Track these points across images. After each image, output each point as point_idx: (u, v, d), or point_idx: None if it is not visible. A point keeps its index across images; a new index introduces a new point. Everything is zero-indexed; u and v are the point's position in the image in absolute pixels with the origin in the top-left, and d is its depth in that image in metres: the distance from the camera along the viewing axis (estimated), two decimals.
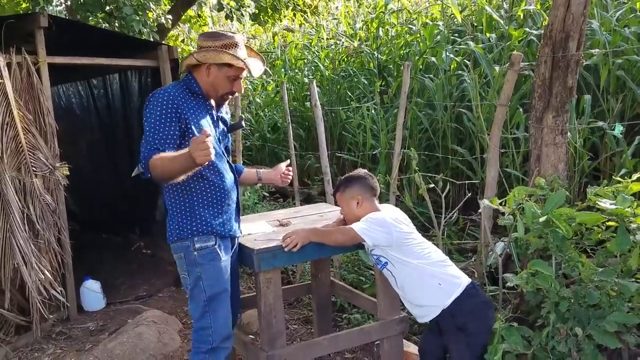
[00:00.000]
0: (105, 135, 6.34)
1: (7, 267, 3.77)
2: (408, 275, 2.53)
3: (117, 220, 6.36)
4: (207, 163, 2.11)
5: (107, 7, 5.75)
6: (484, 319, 2.50)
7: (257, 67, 2.47)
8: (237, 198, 2.57)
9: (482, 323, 2.49)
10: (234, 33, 2.45)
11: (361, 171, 2.74)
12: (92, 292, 4.63)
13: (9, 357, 3.78)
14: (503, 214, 2.61)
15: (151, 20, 5.94)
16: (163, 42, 6.25)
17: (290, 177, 2.89)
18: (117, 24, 5.72)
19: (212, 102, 2.47)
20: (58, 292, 4.01)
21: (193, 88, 2.39)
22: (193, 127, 2.31)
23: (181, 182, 2.31)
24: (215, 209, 2.41)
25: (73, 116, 6.69)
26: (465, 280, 2.52)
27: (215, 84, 2.38)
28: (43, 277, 3.88)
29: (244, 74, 2.42)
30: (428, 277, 2.49)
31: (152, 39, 5.82)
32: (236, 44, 2.37)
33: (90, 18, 5.92)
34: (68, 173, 4.24)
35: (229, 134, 2.63)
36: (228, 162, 2.54)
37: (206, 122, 2.40)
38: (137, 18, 5.50)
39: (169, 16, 6.44)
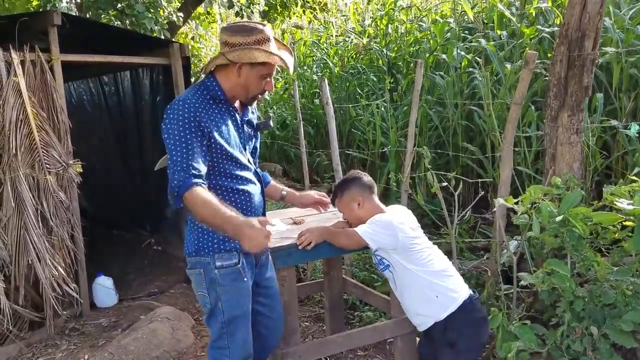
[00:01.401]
0: (116, 133, 6.37)
1: (21, 264, 3.80)
2: (407, 282, 2.52)
3: (128, 217, 6.40)
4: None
5: (119, 5, 5.76)
6: (475, 336, 2.50)
7: (290, 62, 2.21)
8: (264, 210, 2.41)
9: (473, 340, 2.50)
10: (262, 24, 2.17)
11: (353, 172, 2.69)
12: (105, 288, 4.66)
13: (23, 353, 3.82)
14: (516, 212, 2.61)
15: (162, 17, 5.95)
16: (174, 39, 6.27)
17: (327, 205, 2.74)
18: (128, 22, 5.74)
19: (236, 104, 2.27)
20: (71, 288, 4.03)
21: (215, 92, 2.17)
22: (217, 137, 2.12)
23: None
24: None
25: (84, 113, 6.73)
26: (464, 295, 2.49)
27: (246, 85, 2.16)
28: (56, 273, 3.91)
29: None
30: (426, 289, 2.47)
31: (163, 37, 5.84)
32: (268, 38, 2.12)
33: (102, 16, 5.94)
34: (81, 170, 4.26)
35: (258, 133, 2.43)
36: (256, 170, 2.38)
37: (230, 130, 2.20)
38: (149, 16, 5.52)
39: (180, 14, 6.46)
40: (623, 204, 2.22)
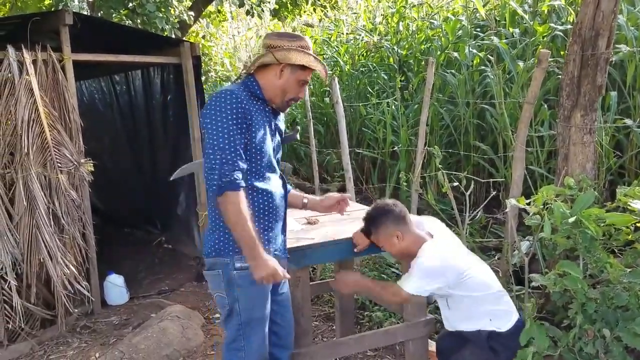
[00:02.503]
0: (128, 131, 6.41)
1: (33, 262, 3.83)
2: (462, 306, 2.44)
3: (139, 215, 6.43)
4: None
5: (130, 4, 5.78)
6: (515, 350, 2.44)
7: (322, 69, 2.27)
8: (285, 215, 2.40)
9: (512, 354, 2.44)
10: (303, 35, 2.29)
11: (382, 204, 2.52)
12: (116, 287, 4.69)
13: (34, 351, 3.85)
14: (528, 213, 2.59)
15: (173, 17, 5.97)
16: (185, 38, 6.28)
17: (347, 204, 2.65)
18: (139, 21, 5.76)
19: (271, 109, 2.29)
20: (82, 287, 4.05)
21: (255, 91, 2.21)
22: (256, 133, 2.15)
23: None
24: (261, 225, 2.21)
25: (96, 112, 6.77)
26: (515, 317, 2.44)
27: (285, 87, 2.20)
28: (68, 271, 3.93)
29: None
30: (481, 313, 2.40)
31: (174, 36, 5.85)
32: (309, 47, 2.22)
33: (114, 15, 5.97)
34: (92, 169, 4.28)
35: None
36: (281, 175, 2.39)
37: (266, 130, 2.22)
38: (160, 15, 5.53)
39: (191, 13, 6.47)
40: (637, 204, 2.19)
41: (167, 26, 5.65)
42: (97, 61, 4.76)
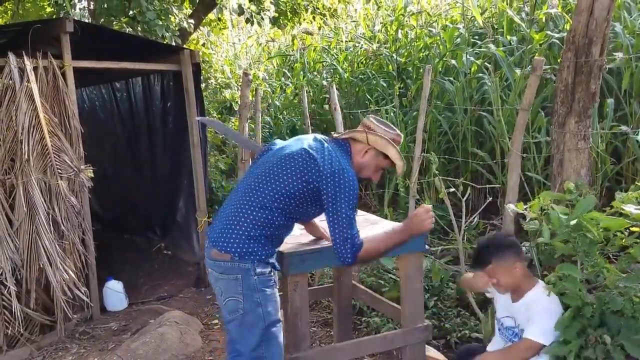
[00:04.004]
0: (128, 138, 6.44)
1: (32, 268, 3.84)
2: None
3: (139, 221, 6.45)
4: None
5: (131, 12, 5.83)
6: None
7: (402, 166, 2.45)
8: None
9: None
10: (400, 132, 2.47)
11: (505, 235, 2.57)
12: (115, 292, 4.70)
13: (33, 356, 3.86)
14: (525, 218, 2.60)
15: (173, 24, 6.01)
16: (185, 46, 6.32)
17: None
18: (140, 29, 5.80)
19: None
20: (82, 292, 4.07)
21: (348, 157, 2.39)
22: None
23: (284, 219, 2.27)
24: (275, 246, 2.35)
25: (96, 119, 6.80)
26: None
27: (363, 167, 2.38)
28: (67, 277, 3.95)
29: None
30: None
31: (174, 43, 5.90)
32: (399, 142, 2.41)
33: (114, 22, 6.02)
34: (92, 175, 4.30)
35: None
36: None
37: None
38: (160, 23, 5.58)
39: (191, 20, 6.52)
40: (630, 208, 2.21)
41: (168, 34, 5.69)
42: (97, 68, 4.80)
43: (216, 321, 4.27)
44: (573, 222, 2.25)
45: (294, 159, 2.27)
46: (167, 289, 5.12)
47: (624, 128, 3.76)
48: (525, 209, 2.49)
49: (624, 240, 2.40)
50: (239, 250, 2.20)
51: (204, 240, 5.16)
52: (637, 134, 3.26)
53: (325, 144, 2.34)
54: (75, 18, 4.82)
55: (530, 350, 2.32)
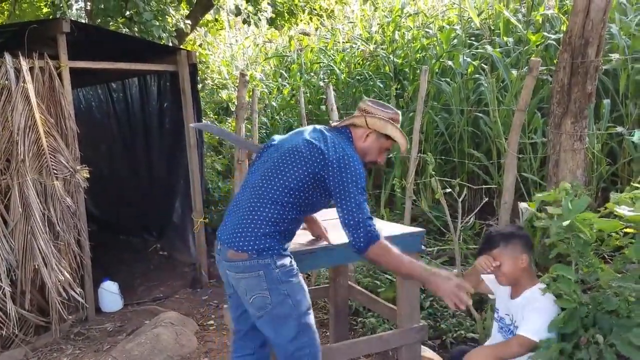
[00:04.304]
0: (124, 139, 6.43)
1: (27, 268, 3.84)
2: None
3: (135, 222, 6.44)
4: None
5: (127, 13, 5.82)
6: None
7: (405, 144, 2.44)
8: None
9: None
10: (397, 110, 2.46)
11: (520, 227, 2.55)
12: (110, 293, 4.69)
13: (28, 357, 3.85)
14: (520, 219, 2.61)
15: (170, 25, 6.00)
16: (181, 46, 6.32)
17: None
18: (136, 29, 5.80)
19: None
20: (77, 293, 4.06)
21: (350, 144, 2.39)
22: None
23: (295, 212, 2.26)
24: (290, 238, 2.35)
25: (92, 119, 6.79)
26: None
27: (366, 151, 2.38)
28: (63, 278, 3.94)
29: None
30: None
31: (171, 44, 5.89)
32: (399, 121, 2.41)
33: (111, 23, 6.01)
34: (88, 176, 4.30)
35: None
36: None
37: None
38: (157, 23, 5.57)
39: (188, 21, 6.51)
40: (624, 210, 2.21)
41: (164, 34, 5.68)
42: (94, 68, 4.80)
43: (212, 322, 4.26)
44: (566, 223, 2.25)
45: (298, 151, 2.26)
46: (163, 290, 5.10)
47: (619, 129, 3.76)
48: (537, 209, 2.48)
49: (618, 241, 2.40)
50: (255, 247, 2.19)
51: (200, 240, 5.17)
52: (632, 135, 3.26)
53: (326, 133, 2.34)
54: (72, 19, 4.80)
55: (522, 347, 2.31)
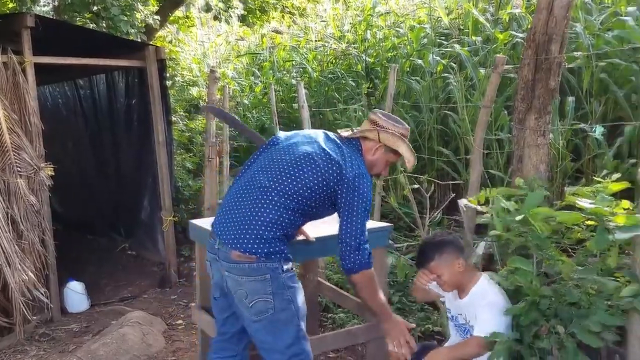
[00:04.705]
0: (91, 136, 6.32)
1: None
2: None
3: (102, 221, 6.34)
4: None
5: (95, 8, 5.72)
6: None
7: (412, 161, 2.42)
8: None
9: None
10: (407, 125, 2.45)
11: (444, 233, 2.61)
12: (76, 294, 4.61)
13: None
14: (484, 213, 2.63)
15: (139, 21, 5.92)
16: (151, 43, 6.24)
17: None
18: (104, 25, 5.70)
19: None
20: (41, 294, 3.98)
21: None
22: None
23: (302, 218, 2.27)
24: (290, 240, 2.34)
25: (59, 116, 6.67)
26: None
27: (373, 164, 2.38)
28: (26, 278, 3.85)
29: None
30: None
31: (139, 40, 5.81)
32: (407, 135, 2.41)
33: (78, 18, 5.90)
34: (52, 173, 4.21)
35: None
36: None
37: None
38: (125, 19, 5.48)
39: (157, 17, 6.42)
40: (585, 203, 2.25)
41: (133, 30, 5.60)
42: (59, 64, 4.70)
43: (180, 321, 4.22)
44: (519, 218, 2.28)
45: (313, 160, 2.23)
46: (131, 290, 5.03)
47: (582, 125, 3.83)
48: (478, 204, 2.52)
49: (580, 234, 2.45)
50: (265, 250, 2.15)
51: (169, 239, 5.10)
52: (594, 130, 3.32)
53: (342, 145, 2.33)
54: (38, 14, 4.70)
55: (481, 347, 2.33)
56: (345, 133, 2.44)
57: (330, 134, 2.41)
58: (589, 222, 2.32)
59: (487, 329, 2.29)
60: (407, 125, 2.42)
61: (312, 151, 2.26)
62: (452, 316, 2.59)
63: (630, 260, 2.45)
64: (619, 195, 2.38)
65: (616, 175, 2.42)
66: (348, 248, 2.20)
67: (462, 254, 2.45)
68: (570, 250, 2.86)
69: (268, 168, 2.28)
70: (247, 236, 2.15)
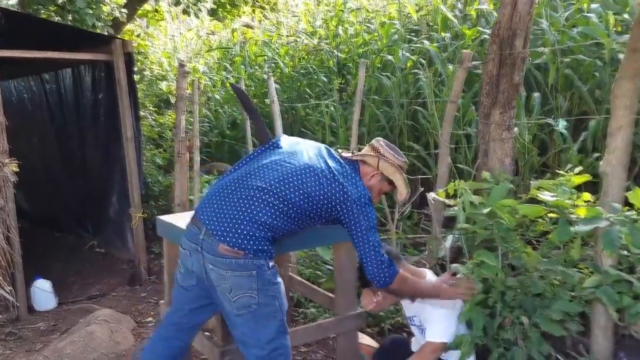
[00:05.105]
0: (57, 131, 6.19)
1: None
2: None
3: (69, 218, 6.23)
4: None
5: (60, 1, 5.60)
6: None
7: (405, 194, 2.50)
8: None
9: None
10: (406, 159, 2.52)
11: None
12: (43, 292, 4.52)
13: None
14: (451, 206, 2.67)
15: (105, 14, 5.81)
16: (118, 36, 6.14)
17: None
18: (70, 18, 5.58)
19: None
20: (7, 292, 3.92)
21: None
22: None
23: (295, 226, 2.27)
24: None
25: (24, 112, 6.52)
26: None
27: (369, 189, 2.39)
28: None
29: None
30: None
31: (106, 33, 5.71)
32: (405, 169, 2.47)
33: (42, 11, 5.76)
34: (17, 169, 4.12)
35: None
36: None
37: None
38: (90, 12, 5.38)
39: (124, 10, 6.32)
40: (547, 196, 2.30)
41: (99, 23, 5.50)
42: (23, 58, 4.58)
43: (150, 319, 4.17)
44: (486, 211, 2.32)
45: (316, 176, 2.26)
46: (100, 288, 4.96)
47: (548, 120, 3.91)
48: (447, 197, 2.56)
49: (543, 226, 2.50)
50: (254, 248, 2.15)
51: (139, 236, 5.04)
52: (557, 123, 3.39)
53: (345, 164, 2.37)
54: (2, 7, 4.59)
55: (435, 352, 2.40)
56: (345, 154, 2.49)
57: (334, 152, 2.45)
58: (552, 215, 2.37)
59: (437, 332, 2.40)
60: (406, 159, 2.50)
61: (317, 167, 2.30)
62: (409, 318, 2.65)
63: (593, 252, 2.52)
64: (583, 189, 2.45)
65: (579, 169, 2.48)
66: (372, 267, 2.28)
67: (400, 263, 2.52)
68: (535, 243, 2.92)
69: (268, 169, 2.28)
70: (239, 232, 2.15)
